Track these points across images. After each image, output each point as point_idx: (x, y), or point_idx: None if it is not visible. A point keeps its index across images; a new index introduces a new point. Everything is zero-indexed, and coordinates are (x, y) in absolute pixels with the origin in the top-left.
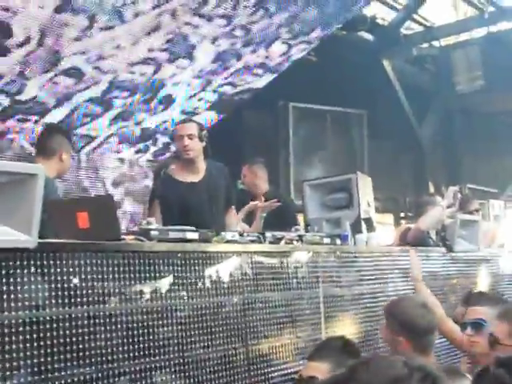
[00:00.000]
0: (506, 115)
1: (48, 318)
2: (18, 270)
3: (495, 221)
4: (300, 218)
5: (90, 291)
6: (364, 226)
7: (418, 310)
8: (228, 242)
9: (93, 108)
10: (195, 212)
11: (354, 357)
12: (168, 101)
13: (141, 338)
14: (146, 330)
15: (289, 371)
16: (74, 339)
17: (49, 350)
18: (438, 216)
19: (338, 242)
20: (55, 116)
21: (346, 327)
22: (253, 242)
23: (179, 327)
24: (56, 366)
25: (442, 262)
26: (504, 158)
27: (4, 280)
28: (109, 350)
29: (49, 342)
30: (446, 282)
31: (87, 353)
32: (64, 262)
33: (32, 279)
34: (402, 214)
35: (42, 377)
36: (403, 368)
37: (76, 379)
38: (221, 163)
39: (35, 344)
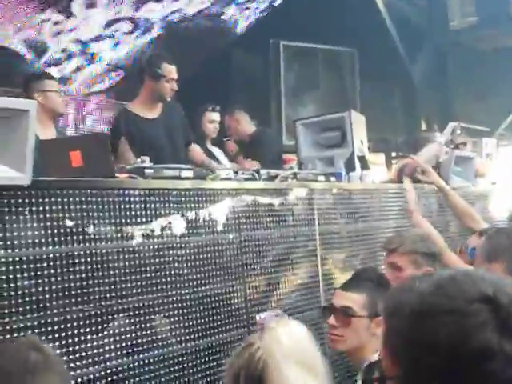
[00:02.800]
0: (500, 52)
1: (44, 256)
2: (12, 208)
3: (488, 159)
4: (291, 157)
5: (85, 228)
6: (358, 164)
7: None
8: (223, 179)
9: None
10: (155, 147)
11: (386, 290)
12: None
13: (137, 276)
14: (142, 268)
15: (286, 307)
16: (71, 277)
17: (46, 288)
18: (434, 152)
19: (333, 179)
20: None
21: (342, 264)
22: (247, 179)
23: (176, 265)
24: (54, 303)
25: (437, 199)
26: (497, 95)
27: None
28: (106, 288)
29: (46, 280)
30: (441, 218)
31: (85, 290)
32: (58, 199)
33: (26, 217)
34: (394, 154)
35: (39, 314)
36: (490, 288)
37: (75, 316)
38: (176, 102)
39: (31, 282)
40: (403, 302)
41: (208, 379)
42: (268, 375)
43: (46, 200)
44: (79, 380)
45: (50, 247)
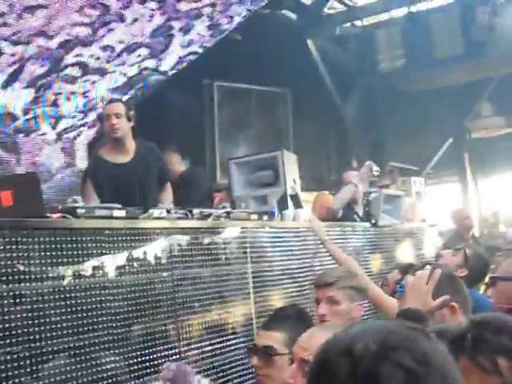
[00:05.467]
0: (426, 94)
1: None
2: None
3: (416, 197)
4: (222, 196)
5: (15, 269)
6: (291, 203)
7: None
8: (155, 218)
9: None
10: (125, 192)
11: (308, 325)
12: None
13: (68, 317)
14: (73, 309)
15: (219, 346)
16: None
17: None
18: (348, 194)
19: (265, 218)
20: None
21: (275, 302)
22: (180, 218)
23: (108, 304)
24: None
25: (367, 236)
26: (424, 136)
27: None
28: (36, 329)
29: None
30: (371, 256)
31: (13, 332)
32: None
33: None
34: (326, 193)
35: None
36: (353, 341)
37: (2, 359)
38: (151, 143)
39: None
40: None
41: None
42: None
43: None
44: None
45: None
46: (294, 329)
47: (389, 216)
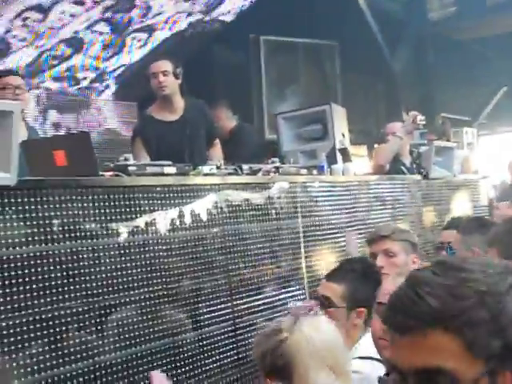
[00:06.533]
0: (478, 42)
1: (31, 254)
2: None
3: (469, 148)
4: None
5: (70, 227)
6: (340, 157)
7: None
8: (205, 175)
9: None
10: (174, 150)
11: (373, 281)
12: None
13: (123, 272)
14: (127, 264)
15: (270, 300)
16: (57, 275)
17: (34, 286)
18: (394, 147)
19: (315, 172)
20: None
21: (326, 256)
22: (230, 174)
23: (161, 260)
24: (41, 300)
25: (418, 189)
26: (476, 85)
27: None
28: (93, 285)
29: (32, 278)
30: (422, 209)
31: (71, 287)
32: (44, 198)
33: (12, 216)
34: (376, 146)
35: (23, 312)
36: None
37: (62, 312)
38: (200, 100)
39: (17, 281)
40: (464, 295)
41: (196, 371)
42: (293, 370)
43: (32, 200)
44: (68, 375)
45: (37, 246)
46: (355, 283)
47: (440, 168)
